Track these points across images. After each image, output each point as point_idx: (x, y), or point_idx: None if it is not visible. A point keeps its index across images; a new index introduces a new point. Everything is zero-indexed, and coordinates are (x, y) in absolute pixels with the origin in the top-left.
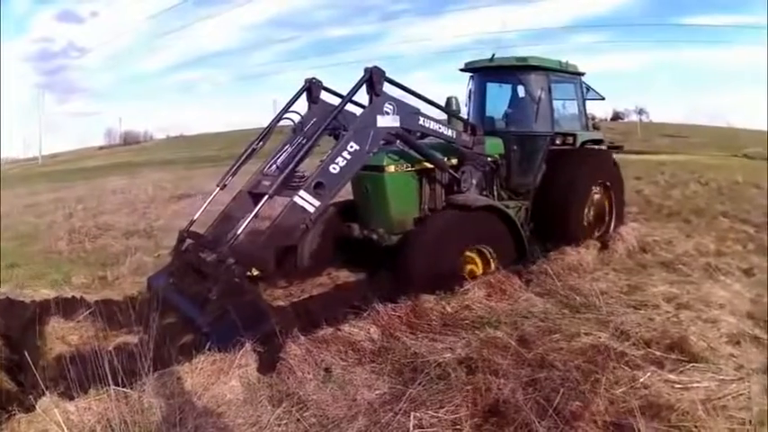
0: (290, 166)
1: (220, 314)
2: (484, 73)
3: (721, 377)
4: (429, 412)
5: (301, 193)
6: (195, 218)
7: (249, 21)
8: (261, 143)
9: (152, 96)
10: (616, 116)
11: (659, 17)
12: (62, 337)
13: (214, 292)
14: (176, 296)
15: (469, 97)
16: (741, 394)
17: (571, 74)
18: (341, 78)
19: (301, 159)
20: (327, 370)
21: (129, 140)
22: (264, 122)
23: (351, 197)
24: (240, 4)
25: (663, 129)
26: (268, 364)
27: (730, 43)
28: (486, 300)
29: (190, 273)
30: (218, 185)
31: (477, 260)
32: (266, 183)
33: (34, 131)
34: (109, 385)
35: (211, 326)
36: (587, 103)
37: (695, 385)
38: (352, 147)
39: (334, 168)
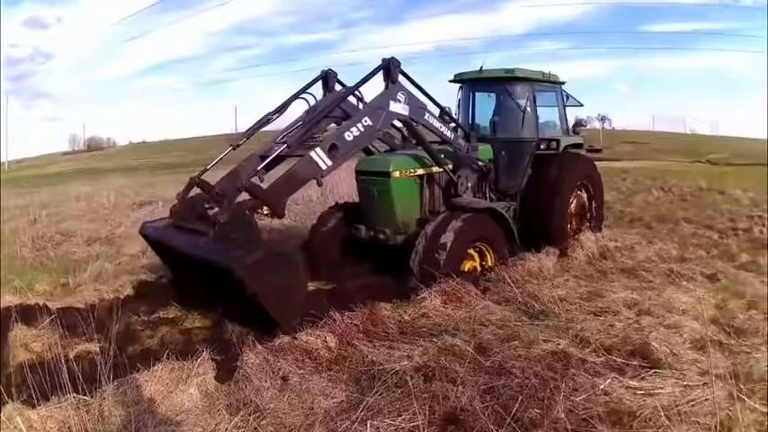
0: (308, 127)
1: (221, 230)
2: (472, 83)
3: (685, 383)
4: (386, 420)
5: (317, 149)
6: (208, 168)
7: (210, 28)
8: (277, 114)
9: (115, 102)
10: (578, 123)
11: (618, 25)
12: (25, 344)
13: (225, 215)
14: (173, 232)
15: (458, 106)
16: (706, 400)
17: (553, 83)
18: (300, 84)
19: (317, 123)
20: (284, 378)
21: (92, 146)
22: (226, 129)
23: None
24: (201, 11)
25: (625, 136)
26: (225, 372)
27: (689, 50)
28: (443, 307)
29: (192, 217)
30: (231, 145)
31: (476, 257)
32: (279, 148)
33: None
34: (70, 393)
35: (214, 241)
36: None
37: (658, 391)
38: (366, 121)
39: (348, 135)
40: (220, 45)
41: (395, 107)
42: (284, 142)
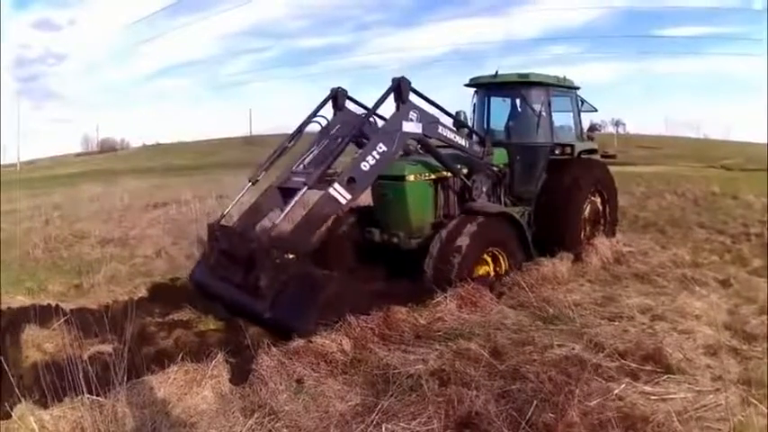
0: (328, 162)
1: (274, 296)
2: (487, 88)
3: (698, 388)
4: (401, 424)
5: (335, 185)
6: (226, 212)
7: (223, 30)
8: (292, 143)
9: (128, 104)
10: (593, 128)
11: (631, 29)
12: (38, 344)
13: (263, 279)
14: (225, 288)
15: (473, 111)
16: (719, 405)
17: (567, 88)
18: (315, 88)
19: (335, 158)
20: (299, 381)
21: (105, 148)
22: (239, 132)
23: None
24: (215, 13)
25: (639, 140)
26: (240, 374)
27: (702, 54)
28: (458, 311)
29: (227, 262)
30: (250, 180)
31: (490, 262)
32: (297, 179)
33: (12, 138)
34: (83, 394)
35: (272, 309)
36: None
37: (671, 396)
38: (380, 148)
39: (364, 166)
40: (234, 48)
41: (408, 127)
42: (302, 173)
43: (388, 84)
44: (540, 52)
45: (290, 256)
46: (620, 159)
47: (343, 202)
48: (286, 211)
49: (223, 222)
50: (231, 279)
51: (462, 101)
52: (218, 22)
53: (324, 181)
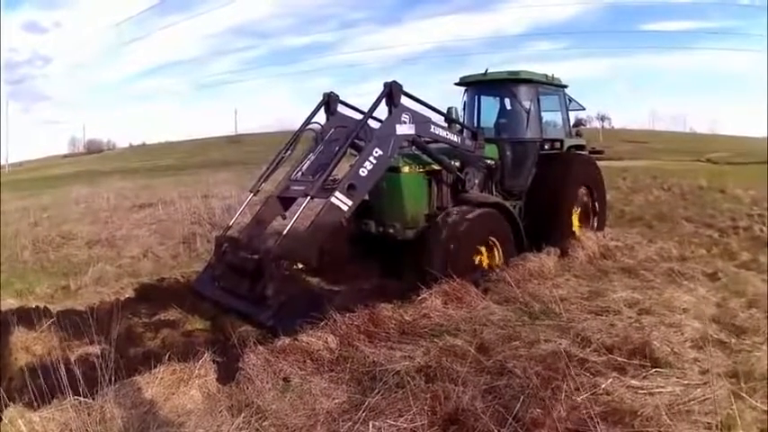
0: (328, 171)
1: (279, 306)
2: (477, 86)
3: (686, 382)
4: (388, 421)
5: (336, 194)
6: (231, 224)
7: (208, 30)
8: (289, 152)
9: (115, 105)
10: (578, 123)
11: (615, 24)
12: (26, 347)
13: (270, 288)
14: (229, 297)
15: (464, 108)
16: (707, 399)
17: (556, 86)
18: (301, 87)
19: (335, 167)
20: (286, 379)
21: (92, 149)
22: (225, 131)
23: None
24: (199, 13)
25: (624, 135)
26: (227, 373)
27: (688, 49)
28: (444, 308)
29: (233, 274)
30: (251, 191)
31: (485, 252)
32: (296, 188)
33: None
34: (71, 395)
35: (274, 318)
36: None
37: (659, 390)
38: (377, 152)
39: (362, 171)
40: (219, 47)
41: (401, 129)
42: (301, 182)
43: (373, 81)
44: (524, 49)
45: (299, 266)
46: (605, 154)
47: (345, 209)
48: (291, 223)
49: (230, 234)
50: (236, 290)
51: (447, 97)
52: (203, 21)
53: (324, 189)
